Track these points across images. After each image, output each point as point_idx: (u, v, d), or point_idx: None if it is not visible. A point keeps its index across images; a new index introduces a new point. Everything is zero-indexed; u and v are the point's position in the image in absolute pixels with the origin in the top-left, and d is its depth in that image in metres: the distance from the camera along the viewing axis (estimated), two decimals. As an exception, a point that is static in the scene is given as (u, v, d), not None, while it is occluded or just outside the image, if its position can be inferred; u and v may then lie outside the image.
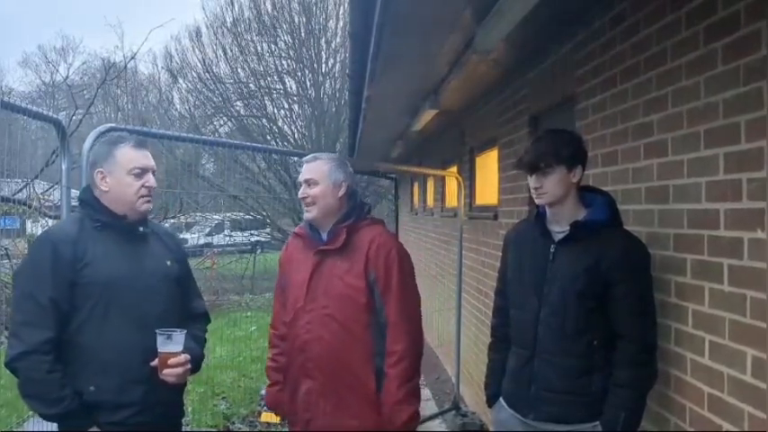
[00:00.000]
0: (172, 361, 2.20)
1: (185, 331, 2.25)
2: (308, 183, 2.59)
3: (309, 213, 2.60)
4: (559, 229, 2.27)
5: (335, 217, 2.60)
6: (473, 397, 5.68)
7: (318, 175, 2.59)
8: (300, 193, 2.62)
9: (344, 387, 2.51)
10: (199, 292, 2.60)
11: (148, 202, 2.32)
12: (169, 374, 2.21)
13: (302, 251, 2.67)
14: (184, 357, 2.24)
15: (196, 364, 2.38)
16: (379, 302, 2.52)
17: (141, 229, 2.35)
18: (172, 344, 2.20)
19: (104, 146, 2.38)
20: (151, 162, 2.35)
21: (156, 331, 2.19)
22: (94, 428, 2.15)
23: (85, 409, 2.13)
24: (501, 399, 2.43)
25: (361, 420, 2.51)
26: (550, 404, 2.23)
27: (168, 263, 2.39)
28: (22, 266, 2.28)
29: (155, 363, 2.21)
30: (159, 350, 2.19)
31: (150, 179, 2.32)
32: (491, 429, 2.68)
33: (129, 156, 2.30)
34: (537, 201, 2.31)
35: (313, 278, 2.56)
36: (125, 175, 2.28)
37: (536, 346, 2.26)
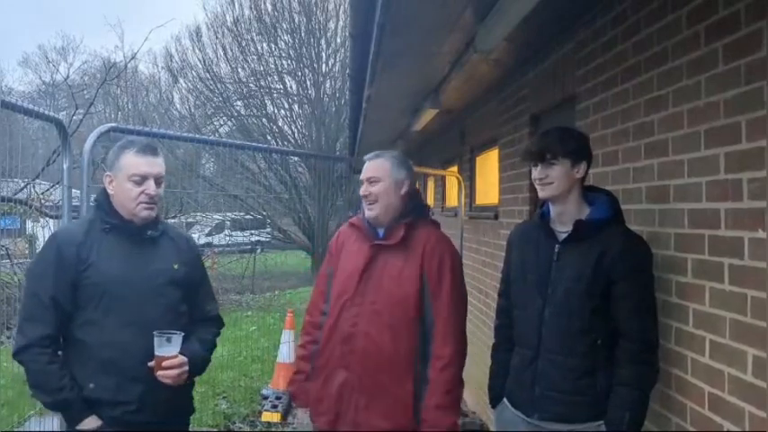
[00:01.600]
0: (166, 363, 2.23)
1: (183, 334, 2.27)
2: (370, 180, 2.58)
3: (371, 212, 2.58)
4: (563, 229, 2.27)
5: (395, 214, 2.59)
6: (473, 397, 5.68)
7: (381, 172, 2.58)
8: (362, 191, 2.60)
9: (381, 385, 2.47)
10: (213, 295, 2.61)
11: (148, 209, 2.32)
12: (164, 376, 2.24)
13: (356, 242, 2.65)
14: (179, 360, 2.26)
15: (199, 366, 2.40)
16: (428, 303, 2.50)
17: (150, 232, 2.36)
18: (168, 346, 2.23)
19: (115, 149, 2.41)
20: (155, 169, 2.33)
21: (154, 333, 2.22)
22: (94, 417, 2.21)
23: (83, 400, 2.21)
24: (504, 398, 2.42)
25: (393, 422, 2.46)
26: (555, 404, 2.22)
27: (175, 266, 2.39)
28: (31, 266, 2.39)
29: (152, 363, 2.24)
30: (156, 352, 2.22)
31: (151, 186, 2.31)
32: (492, 429, 2.67)
33: (131, 162, 2.32)
34: (541, 193, 2.31)
35: (365, 271, 2.54)
36: (126, 182, 2.31)
37: (540, 346, 2.26)
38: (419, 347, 2.49)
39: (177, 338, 2.24)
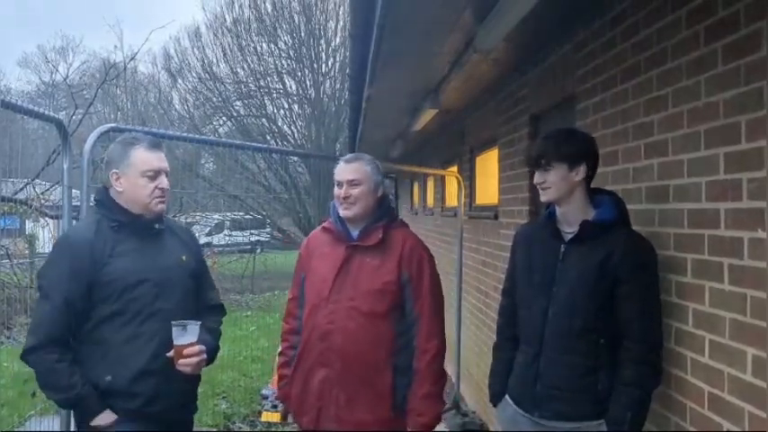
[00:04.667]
0: (187, 351, 2.26)
1: (200, 323, 2.31)
2: (352, 183, 2.62)
3: (348, 211, 2.62)
4: (569, 230, 2.29)
5: (369, 216, 2.65)
6: (473, 396, 5.68)
7: (361, 175, 2.63)
8: (342, 193, 2.62)
9: (361, 380, 2.54)
10: (213, 284, 2.66)
11: (162, 202, 2.38)
12: (185, 365, 2.27)
13: (329, 245, 2.69)
14: (199, 348, 2.29)
15: (211, 355, 2.43)
16: (410, 301, 2.58)
17: (157, 226, 2.40)
18: (187, 335, 2.25)
19: (119, 147, 2.41)
20: (164, 164, 2.39)
21: (172, 323, 2.25)
22: (108, 411, 2.23)
23: (98, 395, 2.22)
24: (506, 396, 2.44)
25: (374, 415, 2.54)
26: (556, 402, 2.24)
27: (183, 258, 2.45)
28: (43, 267, 2.37)
29: (171, 353, 2.26)
30: (174, 342, 2.25)
31: (163, 181, 2.37)
32: (494, 426, 2.70)
33: (143, 158, 2.35)
34: (541, 197, 2.34)
35: (341, 271, 2.59)
36: (139, 177, 2.33)
37: (542, 344, 2.28)
38: (396, 340, 2.57)
39: (194, 327, 2.27)
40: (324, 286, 2.60)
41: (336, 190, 2.66)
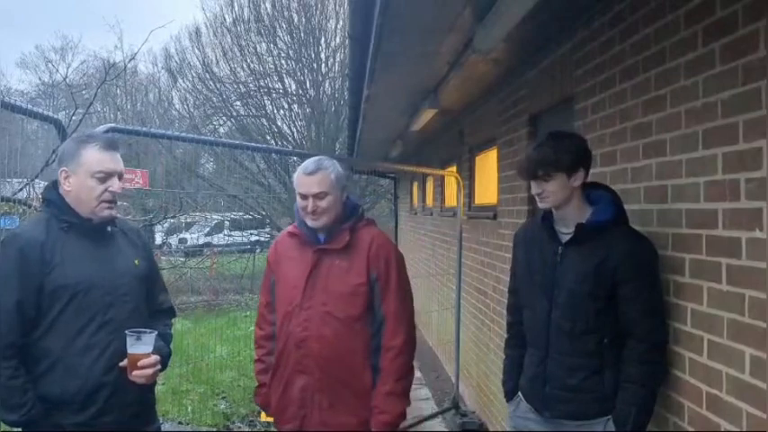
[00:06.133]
0: (142, 362, 2.16)
1: (155, 332, 2.21)
2: (318, 196, 2.52)
3: (318, 222, 2.55)
4: (566, 231, 2.29)
5: (338, 220, 2.59)
6: (472, 396, 5.68)
7: (327, 186, 2.53)
8: (309, 206, 2.52)
9: (342, 383, 2.53)
10: (165, 287, 2.54)
11: (110, 208, 2.23)
12: (139, 375, 2.17)
13: (296, 249, 2.65)
14: (154, 358, 2.20)
15: (165, 361, 2.33)
16: (378, 300, 2.56)
17: (109, 229, 2.28)
18: (141, 345, 2.16)
19: (72, 144, 2.28)
20: (119, 166, 2.24)
21: (126, 332, 2.14)
22: None
23: (47, 416, 2.10)
24: (519, 393, 2.48)
25: (358, 417, 2.54)
26: (564, 402, 2.27)
27: (136, 262, 2.33)
28: None
29: (124, 363, 2.17)
30: (129, 351, 2.16)
31: (114, 184, 2.22)
32: (500, 424, 2.73)
33: (95, 158, 2.20)
34: (540, 205, 2.34)
35: (311, 276, 2.56)
36: (88, 178, 2.19)
37: (548, 346, 2.30)
38: (372, 341, 2.56)
39: (150, 337, 2.18)
40: (295, 292, 2.56)
41: (301, 202, 2.55)
